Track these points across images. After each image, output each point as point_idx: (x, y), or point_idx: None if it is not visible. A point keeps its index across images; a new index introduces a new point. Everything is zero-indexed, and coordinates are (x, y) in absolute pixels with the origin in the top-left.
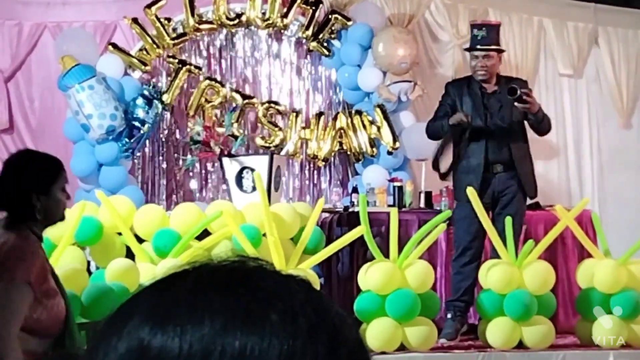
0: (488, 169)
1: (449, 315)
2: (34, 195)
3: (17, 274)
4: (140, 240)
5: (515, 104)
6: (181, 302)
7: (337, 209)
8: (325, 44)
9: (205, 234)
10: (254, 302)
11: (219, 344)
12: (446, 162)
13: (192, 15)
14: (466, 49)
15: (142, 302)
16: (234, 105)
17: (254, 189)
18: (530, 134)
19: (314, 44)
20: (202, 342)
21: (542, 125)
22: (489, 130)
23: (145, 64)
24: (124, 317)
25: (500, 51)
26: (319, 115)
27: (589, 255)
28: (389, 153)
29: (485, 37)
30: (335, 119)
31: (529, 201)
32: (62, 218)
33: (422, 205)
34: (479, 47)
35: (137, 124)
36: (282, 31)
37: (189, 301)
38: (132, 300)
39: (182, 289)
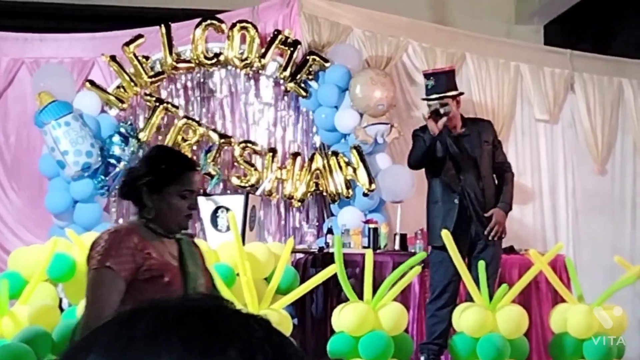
0: (465, 213)
1: (422, 358)
2: (146, 192)
3: (103, 260)
4: None
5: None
6: (139, 339)
7: (312, 250)
8: (302, 85)
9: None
10: (212, 339)
11: None
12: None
13: (171, 53)
14: (422, 99)
15: (100, 338)
16: (210, 144)
17: (228, 228)
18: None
19: (291, 84)
20: None
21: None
22: (462, 173)
23: (122, 102)
24: (81, 352)
25: (454, 96)
26: (295, 155)
27: (563, 300)
28: (365, 195)
29: (434, 85)
30: (311, 159)
31: (503, 244)
32: (179, 227)
33: (397, 247)
34: (429, 97)
35: (113, 161)
36: (260, 71)
37: (146, 338)
38: (89, 336)
39: (140, 325)
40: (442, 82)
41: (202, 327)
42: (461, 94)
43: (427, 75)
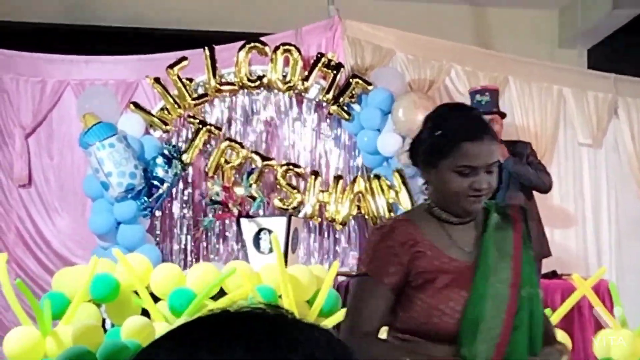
0: None
1: None
2: (423, 164)
3: (362, 265)
4: (156, 298)
5: None
6: (204, 345)
7: (353, 273)
8: (345, 108)
9: (221, 294)
10: (276, 349)
11: None
12: None
13: (214, 76)
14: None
15: (164, 348)
16: (252, 166)
17: (270, 250)
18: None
19: (334, 107)
20: None
21: (522, 175)
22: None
23: (165, 124)
24: (148, 357)
25: (503, 115)
26: (338, 178)
27: (606, 325)
28: None
29: (489, 101)
30: (353, 182)
31: (546, 269)
32: (465, 212)
33: None
34: (482, 112)
35: (156, 182)
36: (303, 94)
37: (210, 347)
38: (153, 346)
39: (203, 335)
40: (494, 99)
41: (266, 335)
42: (505, 115)
43: (480, 91)
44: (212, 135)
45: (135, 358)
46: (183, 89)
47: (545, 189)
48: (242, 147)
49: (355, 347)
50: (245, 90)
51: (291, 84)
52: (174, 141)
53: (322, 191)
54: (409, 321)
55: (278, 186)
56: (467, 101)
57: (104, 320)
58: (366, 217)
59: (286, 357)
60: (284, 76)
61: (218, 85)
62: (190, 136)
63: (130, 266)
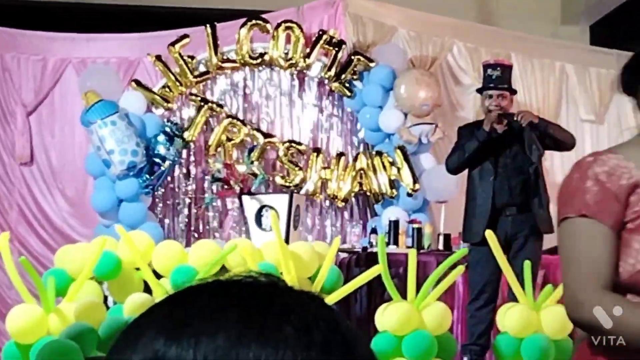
0: (500, 211)
1: (465, 359)
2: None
3: (582, 205)
4: (158, 276)
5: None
6: (195, 315)
7: (355, 250)
8: (347, 85)
9: (223, 271)
10: (268, 315)
11: (234, 356)
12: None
13: (216, 53)
14: (479, 89)
15: (157, 315)
16: (254, 143)
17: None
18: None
19: (336, 84)
20: (217, 354)
21: (554, 134)
22: (499, 171)
23: (167, 101)
24: (139, 330)
25: (513, 92)
26: (340, 155)
27: None
28: (409, 195)
29: (500, 76)
30: (355, 159)
31: (548, 245)
32: None
33: (440, 247)
34: (492, 86)
35: (158, 160)
36: (305, 71)
37: (203, 314)
38: (146, 314)
39: (197, 302)
40: (506, 75)
41: (258, 304)
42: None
43: (492, 66)
44: (214, 113)
45: (128, 327)
46: (185, 66)
47: (573, 142)
48: (244, 124)
49: (596, 303)
50: (247, 68)
51: (293, 61)
52: (175, 119)
53: (324, 168)
54: (628, 274)
55: (280, 163)
56: (469, 78)
57: (105, 298)
58: (368, 194)
59: (279, 323)
60: (286, 53)
61: (220, 63)
62: (192, 114)
63: (133, 243)
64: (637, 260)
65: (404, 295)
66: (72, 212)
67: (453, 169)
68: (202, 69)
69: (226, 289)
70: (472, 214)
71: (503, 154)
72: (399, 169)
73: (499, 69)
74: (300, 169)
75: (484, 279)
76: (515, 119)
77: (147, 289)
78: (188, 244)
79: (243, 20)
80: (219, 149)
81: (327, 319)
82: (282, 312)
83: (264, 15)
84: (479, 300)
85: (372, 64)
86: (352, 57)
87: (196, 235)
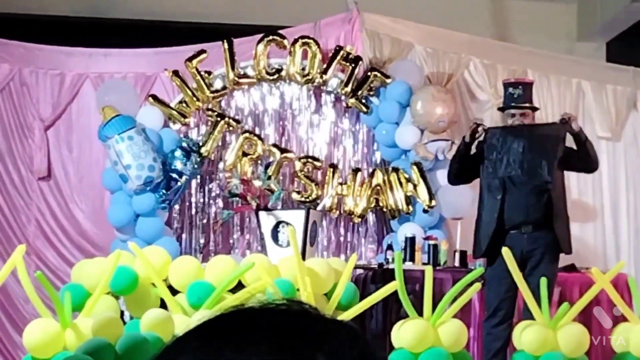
0: (513, 228)
1: None
2: None
3: None
4: (174, 291)
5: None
6: (229, 344)
7: (371, 266)
8: (363, 101)
9: (239, 287)
10: (301, 344)
11: None
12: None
13: (233, 69)
14: (500, 108)
15: (190, 346)
16: (271, 159)
17: (289, 243)
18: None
19: (352, 100)
20: None
21: (589, 148)
22: (509, 187)
23: (184, 116)
24: (171, 355)
25: (535, 109)
26: (356, 171)
27: (624, 319)
28: (425, 211)
29: (522, 95)
30: (372, 175)
31: (564, 262)
32: None
33: (456, 264)
34: (514, 105)
35: (174, 175)
36: (321, 87)
37: (237, 342)
38: (179, 341)
39: (229, 330)
40: (528, 93)
41: (290, 332)
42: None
43: (513, 84)
44: (231, 128)
45: (159, 356)
46: (202, 81)
47: (598, 164)
48: (261, 139)
49: None
50: (264, 83)
51: (310, 77)
52: (192, 134)
53: (341, 184)
54: None
55: (296, 179)
56: (485, 95)
57: (122, 313)
58: (384, 210)
59: (311, 354)
60: (303, 69)
61: (236, 78)
62: (208, 129)
63: (147, 260)
64: None
65: (420, 312)
66: (89, 227)
67: (448, 180)
68: (219, 84)
69: (258, 318)
70: (477, 231)
71: (516, 171)
72: (415, 186)
73: (520, 87)
74: (317, 184)
75: (499, 296)
76: (562, 118)
77: (164, 304)
78: (204, 260)
79: (260, 35)
80: (236, 164)
81: (360, 349)
82: (314, 341)
83: (281, 31)
84: (495, 318)
85: (388, 80)
86: (369, 73)
87: (213, 250)
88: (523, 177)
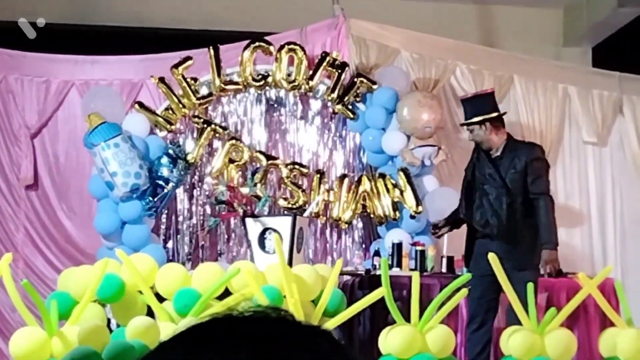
0: (486, 235)
1: None
2: None
3: None
4: (161, 299)
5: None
6: (207, 353)
7: (358, 272)
8: (350, 107)
9: (226, 294)
10: (281, 353)
11: None
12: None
13: (219, 75)
14: (463, 123)
15: (171, 353)
16: (257, 165)
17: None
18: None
19: (339, 106)
20: None
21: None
22: (488, 196)
23: (170, 123)
24: None
25: (483, 121)
26: (343, 177)
27: (612, 324)
28: (412, 217)
29: (465, 112)
30: (358, 181)
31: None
32: None
33: (443, 270)
34: (462, 123)
35: (161, 182)
36: (308, 93)
37: (216, 353)
38: (159, 351)
39: (208, 342)
40: (483, 104)
41: (271, 341)
42: (486, 120)
43: (464, 100)
44: (217, 135)
45: None
46: (187, 88)
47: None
48: (247, 146)
49: None
50: (250, 90)
51: (296, 83)
52: (179, 141)
53: (327, 190)
54: None
55: (283, 185)
56: None
57: (108, 320)
58: (371, 216)
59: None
60: (289, 75)
61: (223, 85)
62: (195, 136)
63: (134, 267)
64: None
65: (407, 318)
66: (77, 234)
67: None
68: (205, 91)
69: (237, 327)
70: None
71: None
72: (402, 191)
73: (468, 102)
74: (304, 191)
75: (474, 302)
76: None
77: (151, 312)
78: (191, 267)
79: (246, 42)
80: (222, 171)
81: (339, 355)
82: (294, 349)
83: (267, 37)
84: (473, 324)
85: (375, 86)
86: (355, 79)
87: (199, 258)
88: (493, 192)
